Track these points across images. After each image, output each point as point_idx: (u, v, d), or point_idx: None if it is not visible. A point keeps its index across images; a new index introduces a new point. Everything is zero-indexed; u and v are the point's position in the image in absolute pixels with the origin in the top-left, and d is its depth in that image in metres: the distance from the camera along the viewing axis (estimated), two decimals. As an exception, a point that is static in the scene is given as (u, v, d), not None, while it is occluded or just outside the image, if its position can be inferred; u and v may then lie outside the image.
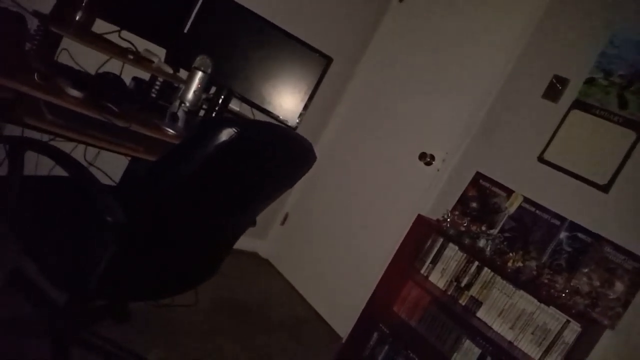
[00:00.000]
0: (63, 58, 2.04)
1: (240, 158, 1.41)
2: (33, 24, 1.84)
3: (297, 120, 2.34)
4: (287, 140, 1.59)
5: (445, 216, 2.41)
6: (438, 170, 2.70)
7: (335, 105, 3.30)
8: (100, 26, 2.04)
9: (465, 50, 2.80)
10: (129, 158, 2.34)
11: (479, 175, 2.52)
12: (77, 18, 1.86)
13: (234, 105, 2.37)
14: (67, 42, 1.99)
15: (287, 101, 2.30)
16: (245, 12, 2.27)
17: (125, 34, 2.16)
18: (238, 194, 1.57)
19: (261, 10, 2.36)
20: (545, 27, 2.53)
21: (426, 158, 2.74)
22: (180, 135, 1.97)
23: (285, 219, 3.43)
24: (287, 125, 2.31)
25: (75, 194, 1.71)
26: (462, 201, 2.53)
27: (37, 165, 1.92)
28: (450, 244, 2.37)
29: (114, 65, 2.16)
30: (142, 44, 2.19)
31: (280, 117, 2.31)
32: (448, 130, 2.72)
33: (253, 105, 2.31)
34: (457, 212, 2.45)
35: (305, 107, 2.32)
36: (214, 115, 2.27)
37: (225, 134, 1.29)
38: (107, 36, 2.11)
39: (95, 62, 2.14)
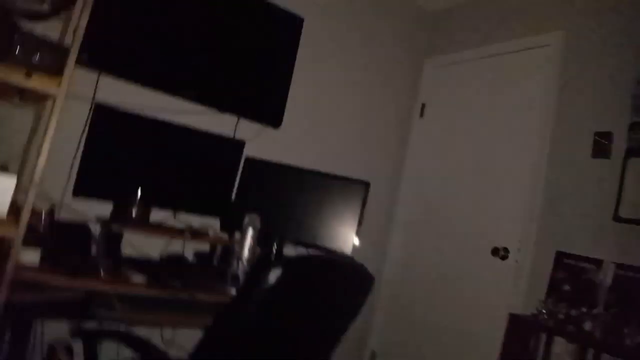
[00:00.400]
0: (127, 251, 2.26)
1: (295, 294, 1.42)
2: (97, 229, 2.09)
3: (353, 247, 2.36)
4: (339, 268, 1.59)
5: (540, 308, 2.21)
6: (516, 261, 2.54)
7: (390, 223, 3.33)
8: (157, 214, 2.27)
9: (500, 136, 2.82)
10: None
11: (561, 255, 2.33)
12: (134, 214, 2.09)
13: (289, 251, 2.44)
14: (129, 236, 2.21)
15: (338, 232, 2.36)
16: (279, 167, 2.47)
17: (180, 215, 2.38)
18: (303, 333, 1.56)
19: (296, 160, 2.56)
20: (568, 93, 2.53)
21: (500, 252, 2.61)
22: (244, 293, 2.03)
23: (372, 358, 3.24)
24: (344, 254, 2.33)
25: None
26: (553, 287, 2.32)
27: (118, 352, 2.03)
28: (556, 338, 2.12)
29: (175, 246, 2.35)
30: (196, 220, 2.40)
31: (335, 249, 2.35)
32: (512, 218, 2.62)
33: (306, 245, 2.38)
34: (550, 300, 2.24)
35: (357, 233, 2.35)
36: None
37: (274, 274, 1.32)
38: (164, 221, 2.33)
39: (158, 247, 2.34)
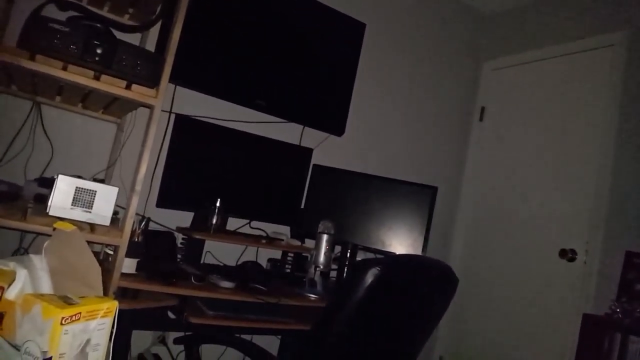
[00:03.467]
0: (208, 259, 2.30)
1: (391, 292, 1.45)
2: (179, 238, 2.13)
3: (421, 253, 2.38)
4: (431, 268, 1.62)
5: (614, 308, 2.21)
6: (585, 262, 2.54)
7: (452, 227, 3.34)
8: (232, 223, 2.30)
9: (564, 136, 2.83)
10: (279, 337, 2.44)
11: (630, 255, 2.34)
12: (213, 222, 2.12)
13: (361, 257, 2.46)
14: (208, 245, 2.25)
15: (406, 238, 2.38)
16: (346, 174, 2.50)
17: (255, 222, 2.42)
18: (396, 331, 1.58)
19: (359, 167, 2.59)
20: (633, 92, 2.54)
21: (567, 254, 2.61)
22: (322, 298, 2.06)
23: (440, 363, 3.24)
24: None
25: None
26: (624, 286, 2.32)
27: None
28: (631, 337, 2.12)
29: (249, 252, 2.39)
30: (270, 227, 2.44)
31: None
32: (579, 219, 2.63)
33: (377, 251, 2.40)
34: (624, 300, 2.24)
35: (426, 239, 2.37)
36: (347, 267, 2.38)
37: (371, 274, 1.37)
38: (240, 229, 2.37)
39: (234, 254, 2.38)
